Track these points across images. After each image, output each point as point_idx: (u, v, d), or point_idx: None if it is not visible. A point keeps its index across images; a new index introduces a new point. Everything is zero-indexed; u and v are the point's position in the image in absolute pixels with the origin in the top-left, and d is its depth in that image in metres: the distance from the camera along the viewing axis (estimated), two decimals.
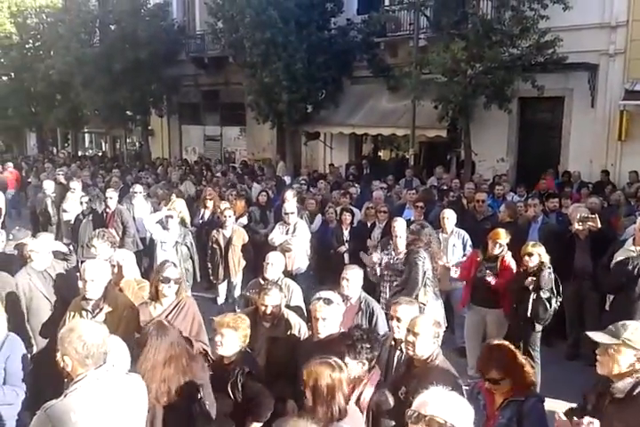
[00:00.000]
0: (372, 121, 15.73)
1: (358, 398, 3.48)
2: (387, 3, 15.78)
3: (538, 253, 5.66)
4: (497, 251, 6.02)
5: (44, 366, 4.37)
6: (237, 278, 8.30)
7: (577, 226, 6.61)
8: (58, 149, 29.15)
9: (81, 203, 9.89)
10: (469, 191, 9.70)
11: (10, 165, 18.21)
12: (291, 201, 8.48)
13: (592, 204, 7.83)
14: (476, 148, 13.91)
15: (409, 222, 6.80)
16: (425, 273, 5.93)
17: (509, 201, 9.27)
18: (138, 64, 18.88)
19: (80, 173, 15.60)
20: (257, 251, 8.13)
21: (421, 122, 14.18)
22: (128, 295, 5.03)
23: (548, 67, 12.10)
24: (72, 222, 9.67)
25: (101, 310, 4.52)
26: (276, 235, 7.97)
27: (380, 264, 6.46)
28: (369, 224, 8.49)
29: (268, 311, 4.48)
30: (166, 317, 4.50)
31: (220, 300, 8.57)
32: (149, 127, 22.88)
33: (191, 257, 7.92)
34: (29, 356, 4.30)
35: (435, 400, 2.37)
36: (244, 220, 9.45)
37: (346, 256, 8.22)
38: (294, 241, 7.78)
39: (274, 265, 5.47)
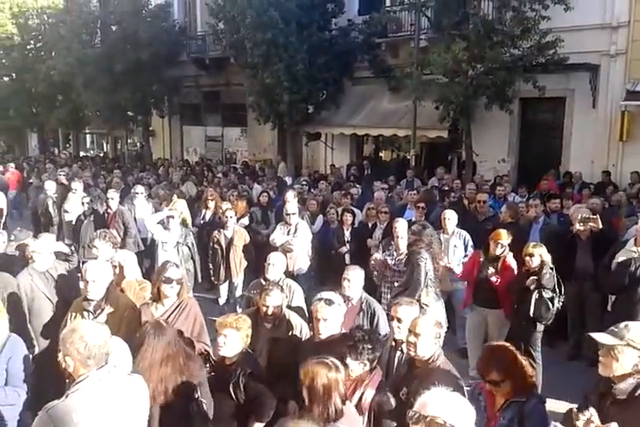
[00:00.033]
0: (373, 122, 15.72)
1: (360, 399, 3.48)
2: (388, 3, 15.77)
3: (539, 254, 5.65)
4: (498, 251, 6.02)
5: (45, 367, 4.37)
6: (239, 279, 8.31)
7: (578, 227, 6.60)
8: (59, 149, 29.18)
9: (82, 203, 9.88)
10: (470, 192, 9.69)
11: (11, 165, 18.25)
12: (292, 202, 8.47)
13: (593, 204, 7.80)
14: (478, 148, 13.90)
15: (410, 223, 6.79)
16: (427, 274, 5.93)
17: (511, 202, 9.27)
18: (139, 65, 18.89)
19: (81, 173, 15.63)
20: (258, 251, 8.12)
21: (422, 122, 14.17)
22: (129, 296, 5.03)
23: (550, 67, 12.10)
24: (73, 223, 9.69)
25: (103, 310, 4.53)
26: (278, 235, 7.97)
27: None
28: (370, 225, 8.49)
29: (270, 312, 4.47)
30: (168, 317, 4.51)
31: (222, 300, 8.60)
32: (150, 128, 22.87)
33: (192, 258, 7.90)
34: (31, 356, 4.29)
35: (436, 401, 2.37)
36: (246, 220, 9.45)
37: (347, 257, 8.19)
38: (295, 242, 7.77)
39: (275, 266, 5.47)
